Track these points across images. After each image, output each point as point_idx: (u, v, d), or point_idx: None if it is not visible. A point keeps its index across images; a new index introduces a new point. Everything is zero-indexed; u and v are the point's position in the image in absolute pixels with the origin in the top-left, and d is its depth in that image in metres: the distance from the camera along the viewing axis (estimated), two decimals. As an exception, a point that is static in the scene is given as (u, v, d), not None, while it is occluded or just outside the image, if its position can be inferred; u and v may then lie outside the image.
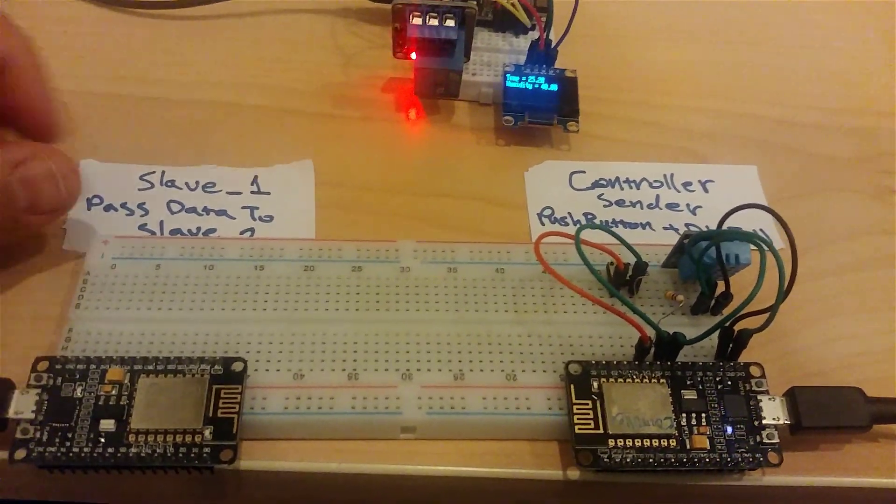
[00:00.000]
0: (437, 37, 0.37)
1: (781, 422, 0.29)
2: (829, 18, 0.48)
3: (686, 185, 0.38)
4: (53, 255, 0.33)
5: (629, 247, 0.31)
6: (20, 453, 0.26)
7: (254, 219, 0.35)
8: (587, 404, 0.29)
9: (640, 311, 0.29)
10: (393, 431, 0.29)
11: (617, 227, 0.36)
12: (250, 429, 0.28)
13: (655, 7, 0.48)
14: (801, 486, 0.30)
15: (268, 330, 0.30)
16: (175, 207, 0.35)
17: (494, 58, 0.41)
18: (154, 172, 0.37)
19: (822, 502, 0.31)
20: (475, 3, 0.39)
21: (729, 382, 0.29)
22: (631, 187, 0.38)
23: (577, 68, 0.40)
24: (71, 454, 0.26)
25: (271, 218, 0.36)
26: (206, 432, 0.27)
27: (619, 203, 0.37)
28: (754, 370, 0.30)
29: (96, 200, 0.35)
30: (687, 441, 0.28)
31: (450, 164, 0.39)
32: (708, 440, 0.28)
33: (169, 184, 0.36)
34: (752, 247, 0.30)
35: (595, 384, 0.29)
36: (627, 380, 0.29)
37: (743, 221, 0.30)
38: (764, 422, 0.29)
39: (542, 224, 0.36)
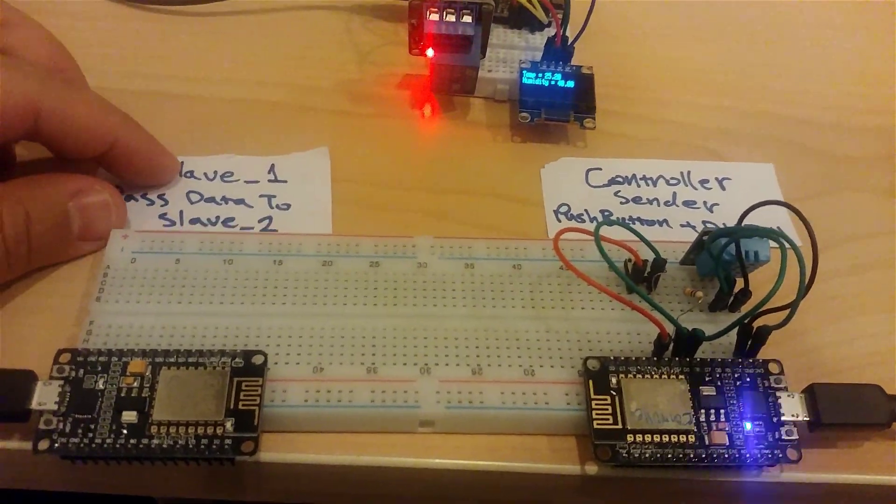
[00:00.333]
0: (454, 33, 0.37)
1: (800, 418, 0.29)
2: (847, 17, 0.48)
3: (703, 182, 0.38)
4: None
5: (648, 243, 0.31)
6: (43, 444, 0.26)
7: (271, 207, 0.36)
8: (606, 400, 0.29)
9: (660, 307, 0.29)
10: (411, 425, 0.29)
11: (634, 224, 0.36)
12: (270, 421, 0.28)
13: (673, 4, 0.48)
14: (819, 483, 0.30)
15: (287, 324, 0.30)
16: (194, 197, 0.36)
17: (510, 54, 0.41)
18: (172, 162, 0.37)
19: (841, 500, 0.31)
20: (492, -1, 0.39)
21: (748, 379, 0.29)
22: (648, 184, 0.38)
23: (594, 65, 0.40)
24: (93, 445, 0.26)
25: (289, 206, 0.36)
26: (228, 424, 0.27)
27: (636, 200, 0.37)
28: (773, 367, 0.30)
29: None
30: (706, 437, 0.28)
31: (466, 161, 0.39)
32: (727, 436, 0.28)
33: (188, 174, 0.36)
34: (772, 244, 0.30)
35: (614, 380, 0.29)
36: (646, 376, 0.29)
37: (761, 219, 0.30)
38: (783, 418, 0.29)
39: (559, 221, 0.36)
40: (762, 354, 0.30)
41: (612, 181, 0.38)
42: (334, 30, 0.44)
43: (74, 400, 0.27)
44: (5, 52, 0.32)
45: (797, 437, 0.28)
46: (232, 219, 0.35)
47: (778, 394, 0.29)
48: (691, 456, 0.28)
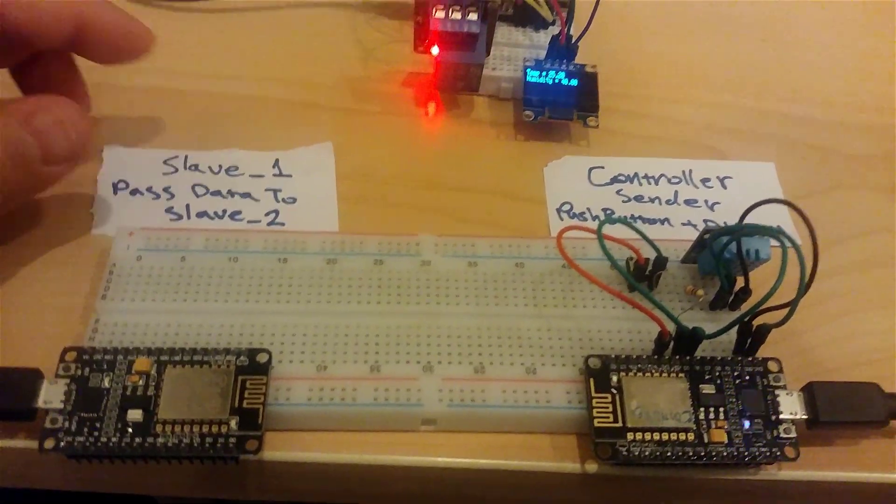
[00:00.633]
0: (459, 30, 0.37)
1: (798, 417, 0.29)
2: (848, 16, 0.48)
3: (705, 181, 0.39)
4: (78, 245, 0.34)
5: (650, 241, 0.31)
6: (49, 442, 0.27)
7: (277, 201, 0.36)
8: (606, 398, 0.29)
9: (661, 304, 0.29)
10: (414, 423, 0.29)
11: (636, 222, 0.37)
12: (274, 420, 0.28)
13: (676, 3, 0.48)
14: (817, 480, 0.30)
15: (291, 322, 0.31)
16: (200, 191, 0.36)
17: (514, 53, 0.41)
18: (177, 157, 0.37)
19: (838, 497, 0.31)
20: (496, -3, 0.39)
21: (747, 377, 0.30)
22: (650, 183, 0.38)
23: (598, 63, 0.40)
24: (99, 444, 0.27)
25: (294, 200, 0.36)
26: (232, 423, 0.27)
27: (638, 199, 0.38)
28: (772, 365, 0.30)
29: (122, 185, 0.36)
30: (705, 435, 0.28)
31: (469, 159, 0.39)
32: (726, 434, 0.28)
33: (192, 168, 0.37)
34: (773, 243, 0.30)
35: (614, 378, 0.29)
36: (646, 374, 0.29)
37: (761, 218, 0.30)
38: (781, 416, 0.29)
39: (561, 219, 0.36)
40: (762, 352, 0.30)
41: (615, 180, 0.38)
42: (340, 27, 0.44)
43: (80, 398, 0.27)
44: None
45: (795, 436, 0.29)
46: (239, 212, 0.35)
47: (777, 392, 0.29)
48: (690, 454, 0.28)
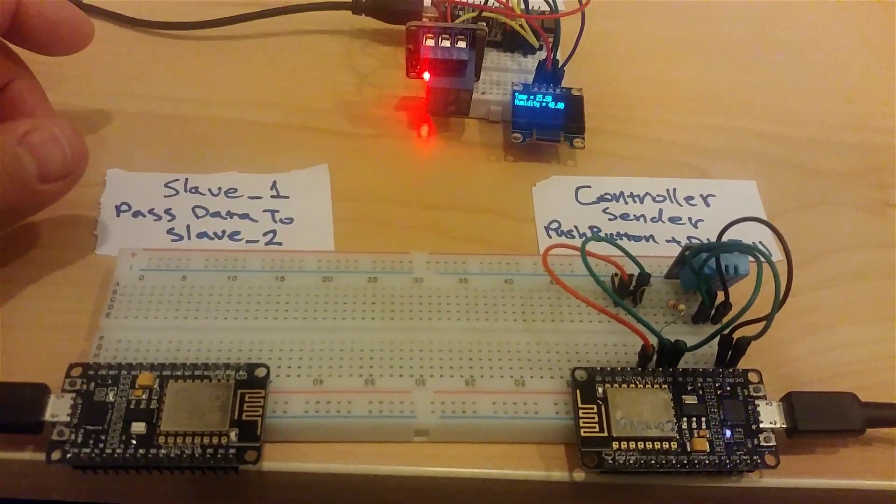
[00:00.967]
0: (449, 57, 0.38)
1: (778, 426, 0.30)
2: (827, 37, 0.50)
3: (688, 199, 0.40)
4: (83, 265, 0.35)
5: (633, 258, 0.32)
6: (56, 454, 0.27)
7: (275, 221, 0.37)
8: (592, 409, 0.30)
9: (643, 319, 0.30)
10: (407, 434, 0.30)
11: (621, 239, 0.38)
12: (273, 431, 0.29)
13: (658, 27, 0.49)
14: (798, 487, 0.31)
15: (289, 338, 0.32)
16: (200, 212, 0.37)
17: (503, 77, 0.42)
18: (178, 180, 0.38)
19: (819, 503, 0.32)
20: (485, 24, 0.40)
21: (728, 388, 0.31)
22: (635, 201, 0.39)
23: (583, 87, 0.41)
24: (104, 455, 0.28)
25: (291, 220, 0.37)
26: (232, 434, 0.28)
27: (624, 217, 0.39)
28: (752, 376, 0.31)
29: (125, 207, 0.37)
30: (687, 444, 0.29)
31: (461, 179, 0.40)
32: (708, 443, 0.29)
33: (193, 190, 0.38)
34: (751, 258, 0.31)
35: (600, 389, 0.30)
36: (631, 385, 0.30)
37: (743, 235, 0.31)
38: (761, 425, 0.30)
39: (549, 237, 0.38)
40: (743, 364, 0.31)
41: (601, 198, 0.39)
42: (335, 53, 0.45)
43: (86, 412, 0.28)
44: None
45: (775, 444, 0.30)
46: (238, 232, 0.37)
47: (757, 402, 0.30)
48: (674, 462, 0.29)
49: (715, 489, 0.31)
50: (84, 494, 0.31)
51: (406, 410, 0.30)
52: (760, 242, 0.37)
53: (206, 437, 0.28)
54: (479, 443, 0.31)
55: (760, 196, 0.40)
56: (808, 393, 0.31)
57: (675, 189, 0.40)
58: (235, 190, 0.38)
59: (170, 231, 0.36)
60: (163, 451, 0.28)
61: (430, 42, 0.38)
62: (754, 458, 0.29)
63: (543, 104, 0.40)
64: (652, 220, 0.39)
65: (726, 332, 0.31)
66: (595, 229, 0.38)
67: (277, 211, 0.37)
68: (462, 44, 0.38)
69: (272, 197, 0.38)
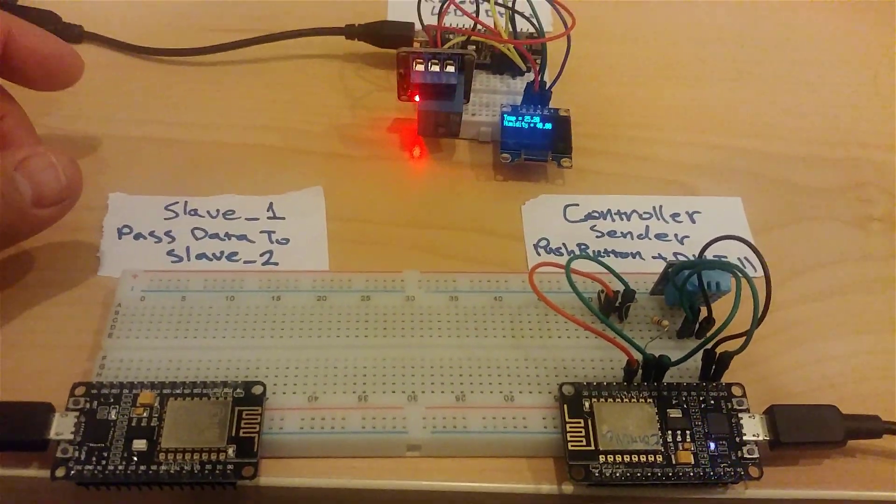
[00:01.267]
0: (438, 82, 0.39)
1: (761, 438, 0.31)
2: (811, 55, 0.50)
3: (674, 216, 0.41)
4: (85, 287, 0.36)
5: (617, 275, 0.33)
6: (60, 471, 0.28)
7: (271, 242, 0.38)
8: (579, 423, 0.31)
9: (626, 336, 0.31)
10: (399, 449, 0.31)
11: (609, 256, 0.39)
12: (269, 447, 0.30)
13: (643, 48, 0.50)
14: (781, 499, 0.31)
15: (284, 356, 0.32)
16: (199, 234, 0.38)
17: (492, 99, 0.43)
18: (177, 203, 0.39)
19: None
20: (474, 48, 0.41)
21: (712, 402, 0.31)
22: (622, 219, 0.40)
23: (571, 108, 0.42)
24: (107, 472, 0.28)
25: (287, 240, 0.38)
26: (230, 450, 0.29)
27: (611, 234, 0.40)
28: (736, 390, 0.32)
29: (126, 230, 0.38)
30: (672, 456, 0.30)
31: (451, 199, 0.41)
32: (692, 455, 0.30)
33: (192, 213, 0.39)
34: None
35: (587, 404, 0.31)
36: (617, 400, 0.31)
37: (728, 251, 0.32)
38: (745, 438, 0.31)
39: (538, 254, 0.38)
40: (727, 378, 0.32)
41: (589, 216, 0.40)
42: (329, 77, 0.46)
43: (89, 430, 0.29)
44: None
45: (758, 456, 0.30)
46: (235, 253, 0.38)
47: (740, 415, 0.31)
48: (659, 474, 0.30)
49: (700, 501, 0.31)
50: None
51: (398, 426, 0.31)
52: (745, 259, 0.38)
53: (205, 453, 0.29)
54: (469, 457, 0.31)
55: (745, 212, 0.41)
56: (790, 406, 0.32)
57: (661, 206, 0.41)
58: (233, 212, 0.39)
59: (170, 252, 0.37)
60: (163, 467, 0.29)
61: (420, 67, 0.39)
62: (738, 469, 0.30)
63: (532, 125, 0.41)
64: (639, 236, 0.40)
65: (709, 346, 0.32)
66: (583, 246, 0.39)
67: (274, 232, 0.38)
68: (451, 68, 0.39)
69: (268, 218, 0.39)
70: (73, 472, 0.28)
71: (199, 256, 0.37)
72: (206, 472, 0.29)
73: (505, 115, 0.41)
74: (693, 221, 0.40)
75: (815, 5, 0.54)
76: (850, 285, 0.39)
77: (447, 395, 0.32)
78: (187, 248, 0.38)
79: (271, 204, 0.40)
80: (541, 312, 0.35)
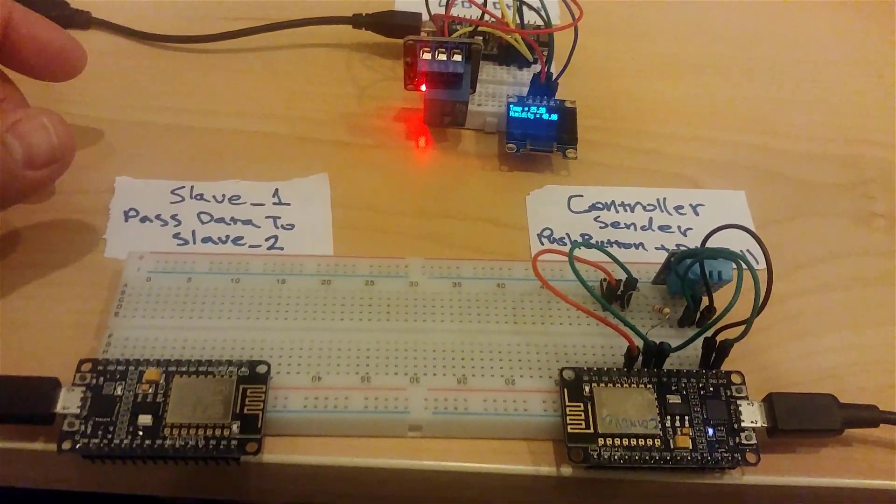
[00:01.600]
0: (445, 71, 0.39)
1: (759, 425, 0.31)
2: (817, 53, 0.51)
3: (678, 208, 0.41)
4: (92, 268, 0.36)
5: (620, 264, 0.33)
6: (66, 444, 0.29)
7: (276, 227, 0.38)
8: (579, 406, 0.31)
9: (628, 322, 0.31)
10: (401, 430, 0.32)
11: (612, 246, 0.39)
12: (273, 425, 0.31)
13: (650, 41, 0.50)
14: (778, 485, 0.32)
15: (289, 337, 0.33)
16: (205, 218, 0.38)
17: (499, 89, 0.44)
18: (184, 187, 0.40)
19: (799, 501, 0.33)
20: (481, 38, 0.41)
21: (711, 388, 0.32)
22: (626, 210, 0.41)
23: (577, 99, 0.42)
24: (112, 445, 0.29)
25: (293, 226, 0.38)
26: (234, 427, 0.29)
27: (615, 225, 0.40)
28: (735, 378, 0.32)
29: (132, 213, 0.38)
30: (671, 441, 0.30)
31: (456, 188, 0.41)
32: (690, 440, 0.30)
33: (198, 197, 0.39)
34: (734, 265, 0.32)
35: (587, 388, 0.31)
36: (617, 385, 0.31)
37: (732, 243, 0.32)
38: (743, 424, 0.31)
39: (542, 244, 0.39)
40: (727, 367, 0.32)
41: (593, 207, 0.41)
42: (336, 66, 0.47)
43: (95, 405, 0.30)
44: None
45: (756, 442, 0.31)
46: (241, 237, 0.38)
47: (739, 402, 0.31)
48: (657, 458, 0.30)
49: (698, 485, 0.32)
50: (92, 485, 0.33)
51: (400, 406, 0.31)
52: (748, 251, 0.38)
53: (210, 428, 0.29)
54: (470, 438, 0.32)
55: (749, 206, 0.41)
56: (788, 394, 0.32)
57: (665, 198, 0.41)
58: (239, 197, 0.39)
59: (176, 236, 0.38)
60: (168, 441, 0.29)
61: (427, 56, 0.39)
62: (735, 455, 0.30)
63: (537, 116, 0.41)
64: (642, 228, 0.40)
65: (709, 334, 0.32)
66: (586, 237, 0.39)
67: (279, 217, 0.39)
68: (458, 57, 0.39)
69: (274, 204, 0.39)
70: (79, 445, 0.29)
71: (205, 240, 0.38)
72: (211, 447, 0.29)
73: (511, 106, 0.42)
74: (696, 214, 0.41)
75: (822, 3, 0.54)
76: (851, 280, 0.39)
77: (449, 378, 0.32)
78: (193, 232, 0.38)
79: (277, 190, 0.40)
80: (543, 300, 0.35)
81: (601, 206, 0.41)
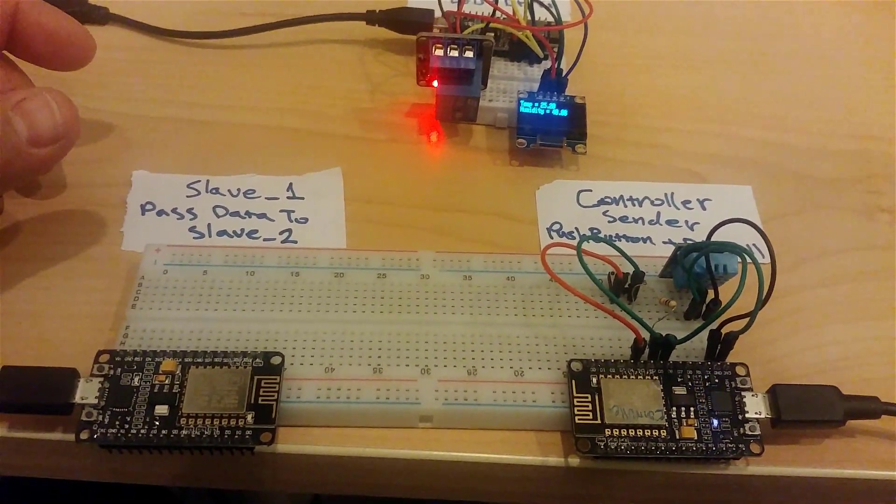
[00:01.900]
0: (456, 67, 0.40)
1: (763, 416, 0.31)
2: (824, 49, 0.51)
3: (685, 203, 0.41)
4: (110, 260, 0.37)
5: (627, 257, 0.34)
6: (85, 434, 0.29)
7: (291, 220, 0.39)
8: (587, 397, 0.31)
9: (635, 314, 0.32)
10: (412, 420, 0.32)
11: (620, 241, 0.39)
12: (287, 416, 0.31)
13: (659, 37, 0.51)
14: (782, 475, 0.32)
15: (302, 329, 0.33)
16: (220, 212, 0.39)
17: (510, 85, 0.44)
18: (200, 181, 0.40)
19: (802, 491, 0.33)
20: (492, 35, 0.42)
21: (716, 380, 0.32)
22: (634, 205, 0.41)
23: (586, 95, 0.43)
24: (129, 435, 0.29)
25: (307, 220, 0.39)
26: (249, 417, 0.30)
27: (623, 219, 0.40)
28: (740, 369, 0.33)
29: (149, 206, 0.39)
30: (676, 431, 0.31)
31: (467, 183, 0.42)
32: (695, 431, 0.31)
33: (213, 191, 0.40)
34: (739, 258, 0.33)
35: (594, 380, 0.32)
36: (624, 376, 0.32)
37: (738, 237, 0.33)
38: (747, 415, 0.31)
39: (551, 237, 0.39)
40: (732, 360, 0.33)
41: (602, 202, 0.41)
42: (349, 62, 0.47)
43: (113, 395, 0.30)
44: None
45: (760, 433, 0.31)
46: (255, 231, 0.39)
47: (743, 393, 0.32)
48: (663, 448, 0.31)
49: (703, 475, 0.32)
50: (108, 475, 0.33)
51: (411, 397, 0.32)
52: (754, 245, 0.39)
53: (225, 419, 0.30)
54: (479, 429, 0.32)
55: (756, 200, 0.42)
56: (791, 385, 0.32)
57: (672, 193, 0.42)
58: (254, 191, 0.40)
59: (192, 229, 0.38)
60: (184, 431, 0.30)
61: (439, 52, 0.40)
62: (740, 446, 0.31)
63: (548, 111, 0.42)
64: (650, 222, 0.40)
65: (714, 326, 0.32)
66: (595, 231, 0.40)
67: (293, 211, 0.39)
68: (469, 53, 0.40)
69: (288, 198, 0.40)
70: (96, 434, 0.29)
71: (220, 233, 0.38)
72: (226, 437, 0.30)
73: (521, 101, 0.42)
74: (703, 208, 0.41)
75: (831, 0, 0.54)
76: (855, 273, 0.39)
77: (459, 370, 0.33)
78: (209, 225, 0.39)
79: (291, 184, 0.41)
80: (552, 292, 0.35)
81: (610, 201, 0.41)
